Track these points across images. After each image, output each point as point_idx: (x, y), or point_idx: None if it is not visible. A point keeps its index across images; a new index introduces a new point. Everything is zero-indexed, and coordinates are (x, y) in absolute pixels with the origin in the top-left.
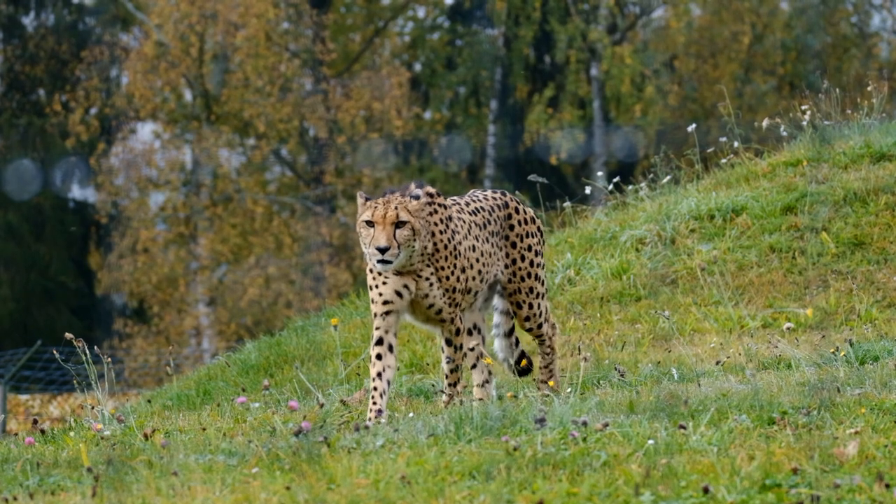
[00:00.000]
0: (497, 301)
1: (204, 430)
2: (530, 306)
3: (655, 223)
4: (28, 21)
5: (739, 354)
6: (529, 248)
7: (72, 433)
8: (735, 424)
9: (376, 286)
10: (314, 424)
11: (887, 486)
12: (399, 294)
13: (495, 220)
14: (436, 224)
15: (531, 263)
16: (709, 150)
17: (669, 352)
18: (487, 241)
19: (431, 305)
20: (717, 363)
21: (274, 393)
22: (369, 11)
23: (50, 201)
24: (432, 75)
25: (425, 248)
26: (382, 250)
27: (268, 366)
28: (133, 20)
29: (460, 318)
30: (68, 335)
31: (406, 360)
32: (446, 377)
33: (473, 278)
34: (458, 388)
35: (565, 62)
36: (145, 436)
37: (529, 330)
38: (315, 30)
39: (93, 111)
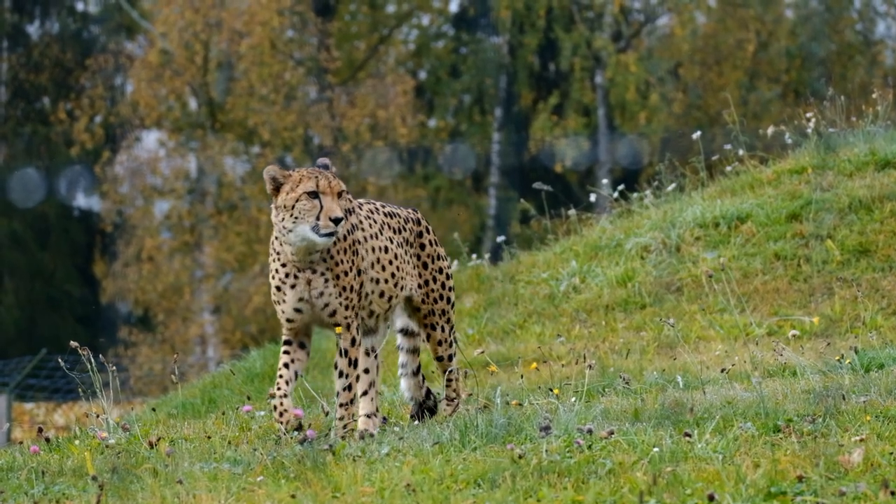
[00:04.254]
0: (401, 340)
1: (209, 438)
2: (443, 329)
3: (660, 231)
4: (32, 29)
5: (745, 362)
6: (440, 271)
7: (77, 441)
8: (740, 432)
9: (278, 303)
10: (319, 433)
11: (892, 493)
12: (299, 311)
13: (410, 231)
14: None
15: (443, 286)
16: (713, 158)
17: (674, 359)
18: (401, 246)
19: (326, 305)
20: (723, 371)
21: None
22: (374, 19)
23: (55, 209)
24: (437, 83)
25: None
26: (338, 220)
27: (272, 374)
28: (138, 28)
29: (357, 328)
30: (73, 343)
31: None
32: (337, 395)
33: (387, 280)
34: (353, 409)
35: (570, 70)
36: (150, 444)
37: (440, 359)
38: (320, 38)
39: (97, 119)
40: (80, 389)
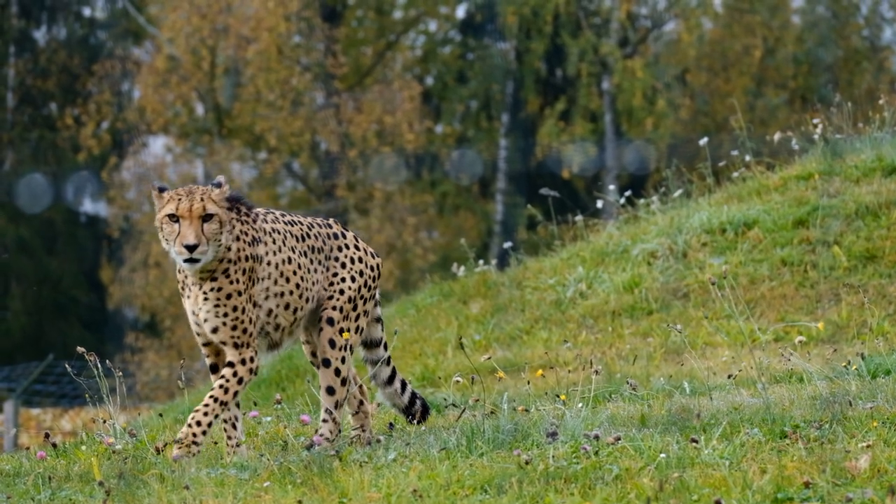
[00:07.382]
0: (364, 352)
1: (216, 443)
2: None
3: (667, 237)
4: (39, 35)
5: (751, 368)
6: (359, 275)
7: (83, 447)
8: (747, 438)
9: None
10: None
11: None
12: (197, 323)
13: (316, 237)
14: (242, 233)
15: (341, 293)
16: (720, 164)
17: (681, 365)
18: (306, 255)
19: (206, 321)
20: (729, 377)
21: (285, 407)
22: (381, 25)
23: (62, 215)
24: (444, 89)
25: (228, 248)
26: (191, 248)
27: (279, 379)
28: (144, 34)
29: (252, 347)
30: (80, 349)
31: (418, 374)
32: (215, 400)
33: (291, 293)
34: (207, 429)
35: (577, 76)
36: (157, 450)
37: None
38: (326, 43)
39: (104, 125)
40: (86, 395)
